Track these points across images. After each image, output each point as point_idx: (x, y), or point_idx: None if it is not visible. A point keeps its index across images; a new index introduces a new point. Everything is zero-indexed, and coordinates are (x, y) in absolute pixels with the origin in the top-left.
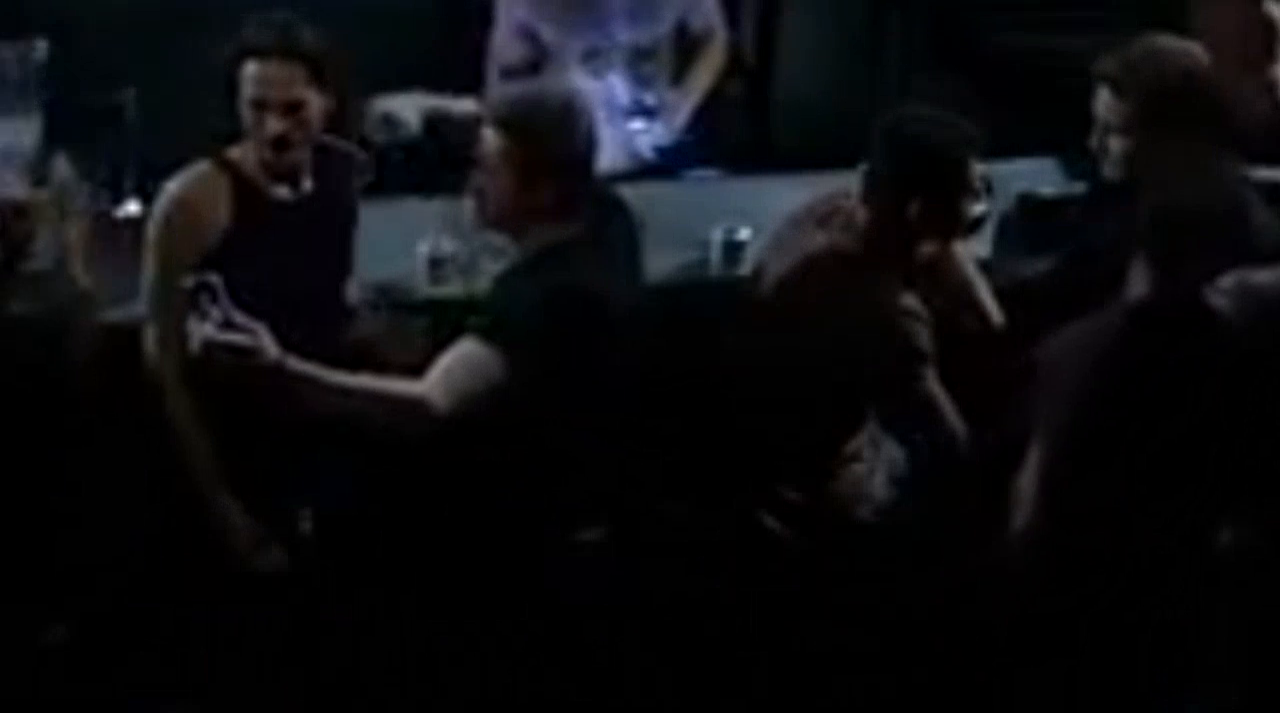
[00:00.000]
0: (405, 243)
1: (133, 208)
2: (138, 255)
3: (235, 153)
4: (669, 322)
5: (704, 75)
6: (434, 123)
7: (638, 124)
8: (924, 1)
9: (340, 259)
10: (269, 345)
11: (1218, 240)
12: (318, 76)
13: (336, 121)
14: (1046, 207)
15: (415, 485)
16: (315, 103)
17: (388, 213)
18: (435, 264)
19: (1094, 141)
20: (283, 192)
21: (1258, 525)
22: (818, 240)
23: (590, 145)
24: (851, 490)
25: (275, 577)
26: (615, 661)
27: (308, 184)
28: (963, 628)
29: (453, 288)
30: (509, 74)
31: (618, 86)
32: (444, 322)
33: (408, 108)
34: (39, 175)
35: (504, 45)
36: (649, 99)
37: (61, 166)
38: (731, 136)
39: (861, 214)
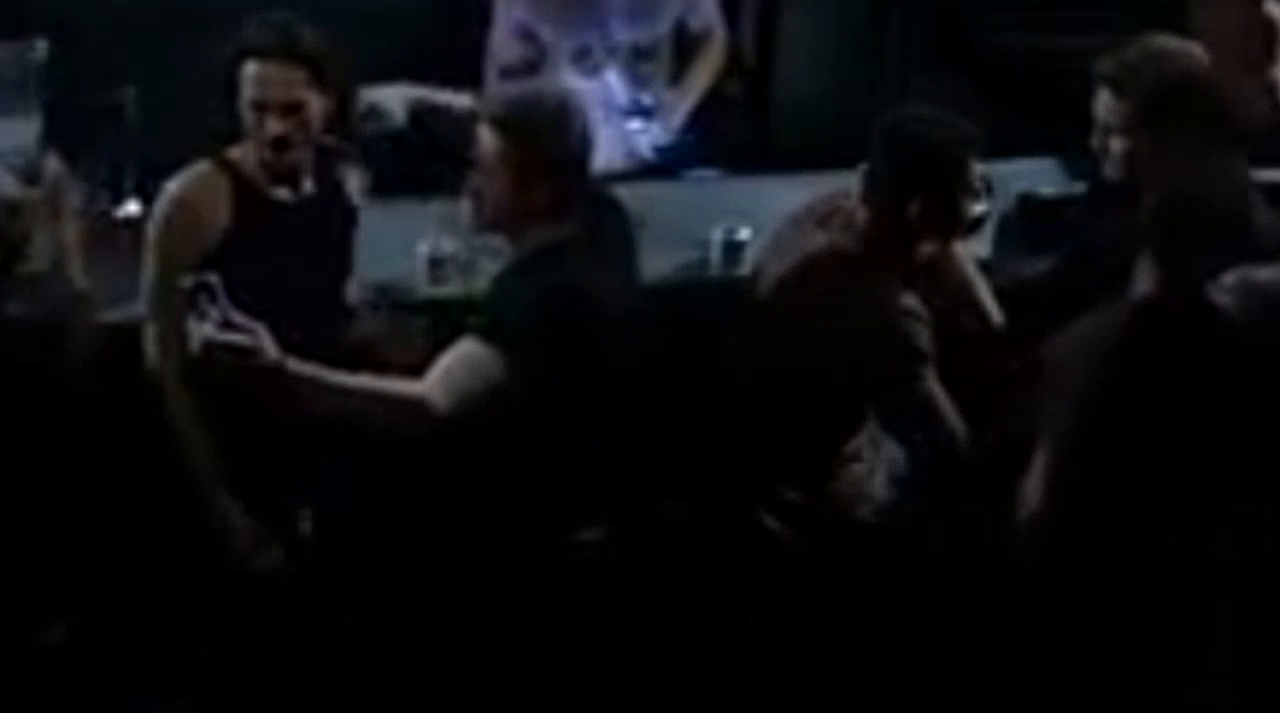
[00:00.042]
0: (405, 243)
1: (133, 208)
2: (137, 255)
3: (235, 153)
4: (669, 322)
5: (702, 75)
6: (419, 114)
7: (636, 124)
8: (924, 1)
9: (340, 259)
10: (268, 345)
11: (1222, 237)
12: (318, 77)
13: (337, 122)
14: (1046, 207)
15: (415, 486)
16: (315, 104)
17: (388, 213)
18: (435, 264)
19: (1094, 142)
20: (283, 192)
21: (1259, 523)
22: (818, 240)
23: (586, 145)
24: (851, 490)
25: (275, 577)
26: (615, 661)
27: (308, 185)
28: (963, 628)
29: (452, 288)
30: (507, 74)
31: (616, 86)
32: (444, 322)
33: (393, 99)
34: (31, 174)
35: (502, 45)
36: (647, 99)
37: (53, 165)
38: (731, 136)
39: (861, 214)
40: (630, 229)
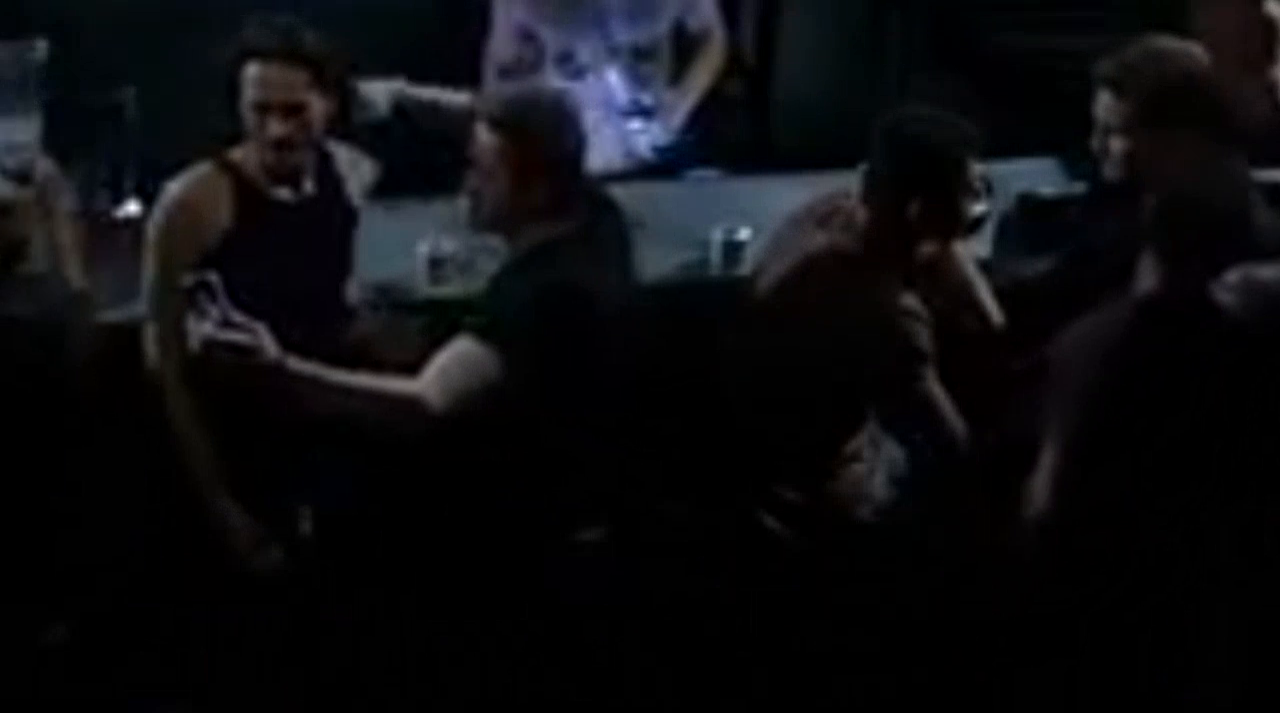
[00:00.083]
0: (405, 243)
1: (132, 208)
2: (137, 255)
3: (237, 154)
4: (669, 321)
5: (702, 75)
6: (402, 105)
7: (636, 124)
8: (924, 1)
9: (341, 260)
10: (268, 344)
11: (1224, 235)
12: (319, 79)
13: (338, 123)
14: (1046, 207)
15: (415, 486)
16: (317, 105)
17: (388, 213)
18: (435, 264)
19: (1094, 144)
20: (284, 193)
21: (1261, 522)
22: (818, 240)
23: (581, 144)
24: (851, 490)
25: (275, 577)
26: (615, 661)
27: (309, 185)
28: (963, 628)
29: (453, 288)
30: (506, 75)
31: (616, 86)
32: (443, 322)
33: (378, 90)
34: (23, 175)
35: (501, 46)
36: (647, 99)
37: (44, 165)
38: (731, 136)
39: (861, 214)
40: (626, 228)
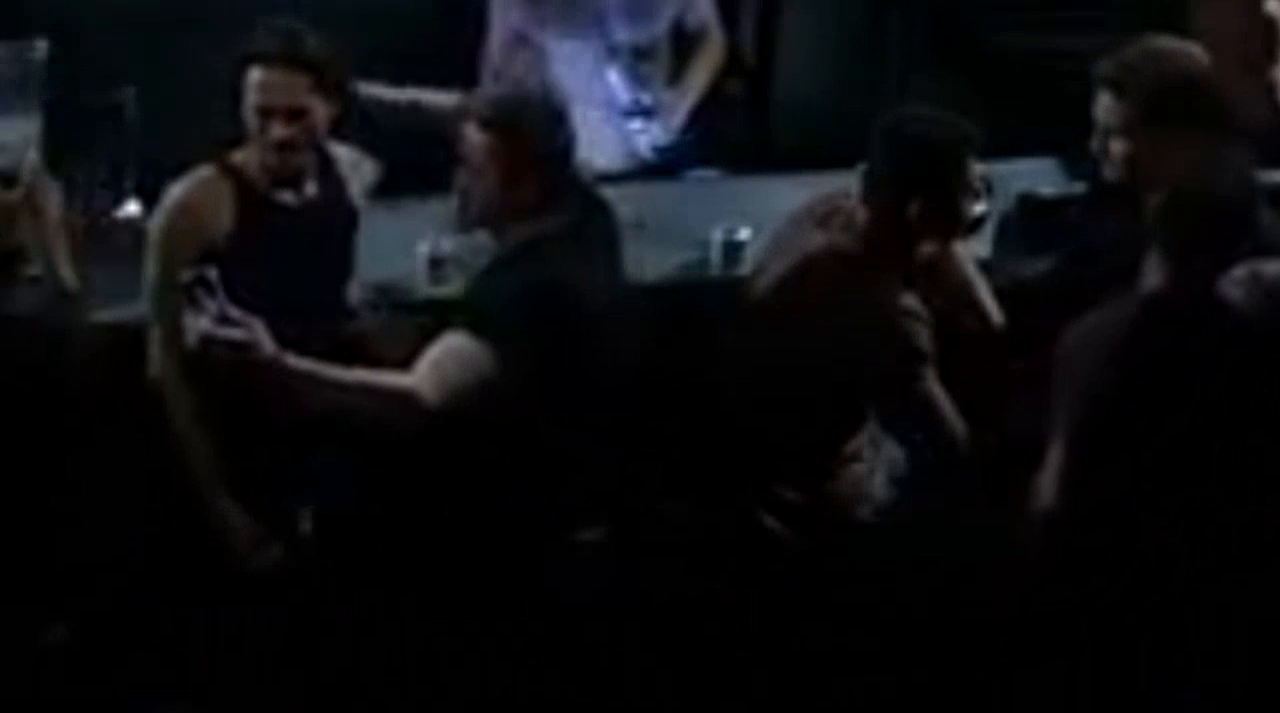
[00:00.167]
0: (405, 243)
1: (132, 208)
2: (136, 256)
3: (238, 157)
4: (669, 321)
5: (701, 74)
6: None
7: (636, 124)
8: (924, 1)
9: (342, 261)
10: (265, 340)
11: (1229, 230)
12: (321, 83)
13: (341, 125)
14: (1046, 207)
15: (415, 485)
16: (319, 109)
17: (388, 213)
18: (435, 264)
19: (1095, 144)
20: (286, 196)
21: (1268, 519)
22: (817, 240)
23: (570, 141)
24: (851, 490)
25: (275, 577)
26: (615, 661)
27: (311, 188)
28: (963, 628)
29: (452, 288)
30: (500, 79)
31: (617, 86)
32: (444, 321)
33: None
34: (10, 175)
35: (499, 50)
36: (647, 99)
37: (31, 165)
38: (731, 136)
39: (861, 214)
40: (615, 225)
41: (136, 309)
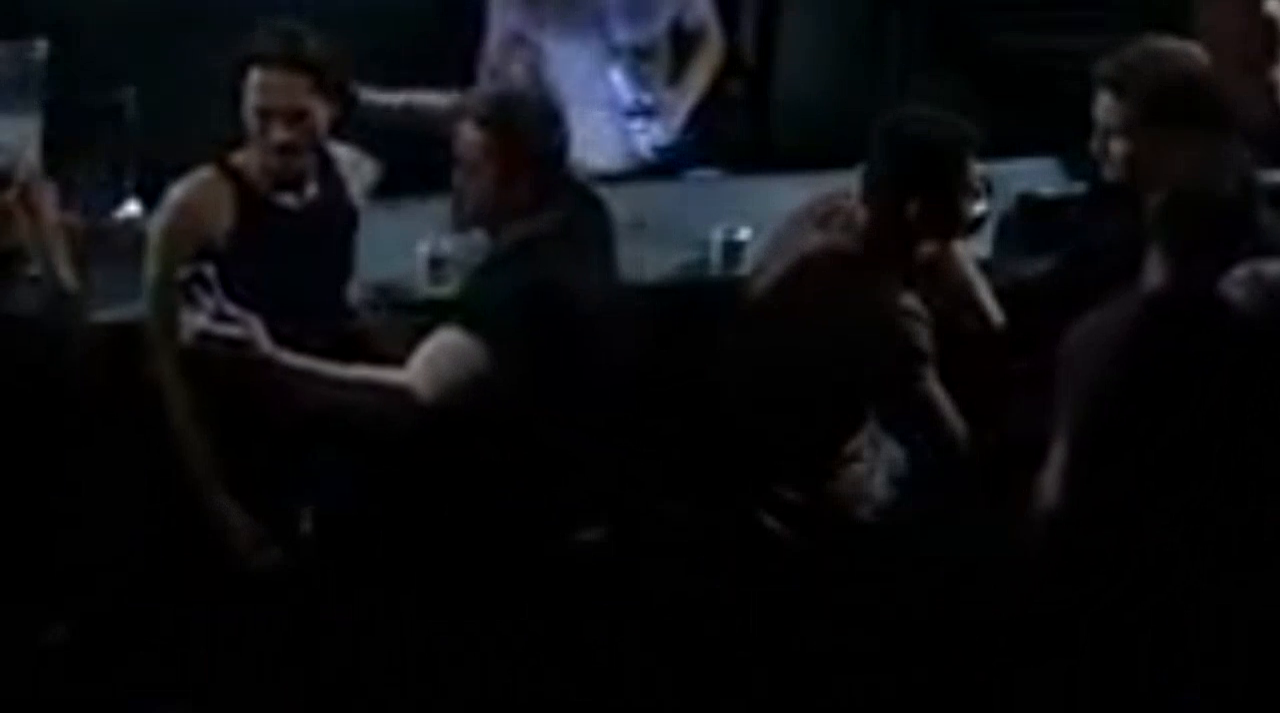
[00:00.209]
0: (405, 243)
1: (132, 208)
2: (136, 256)
3: (239, 158)
4: (669, 321)
5: (700, 74)
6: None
7: (637, 124)
8: (924, 1)
9: (342, 262)
10: (261, 337)
11: (1230, 229)
12: (321, 84)
13: (342, 126)
14: (1046, 207)
15: (415, 486)
16: (320, 111)
17: (388, 213)
18: (435, 264)
19: (1095, 145)
20: (286, 198)
21: (1262, 520)
22: (817, 240)
23: (565, 140)
24: (851, 490)
25: (275, 577)
26: (615, 661)
27: (311, 189)
28: (963, 628)
29: (452, 288)
30: (497, 79)
31: (619, 86)
32: (443, 321)
33: None
34: (4, 175)
35: (495, 50)
36: (648, 99)
37: (25, 165)
38: (731, 136)
39: (861, 214)
40: (610, 224)
41: (136, 310)
